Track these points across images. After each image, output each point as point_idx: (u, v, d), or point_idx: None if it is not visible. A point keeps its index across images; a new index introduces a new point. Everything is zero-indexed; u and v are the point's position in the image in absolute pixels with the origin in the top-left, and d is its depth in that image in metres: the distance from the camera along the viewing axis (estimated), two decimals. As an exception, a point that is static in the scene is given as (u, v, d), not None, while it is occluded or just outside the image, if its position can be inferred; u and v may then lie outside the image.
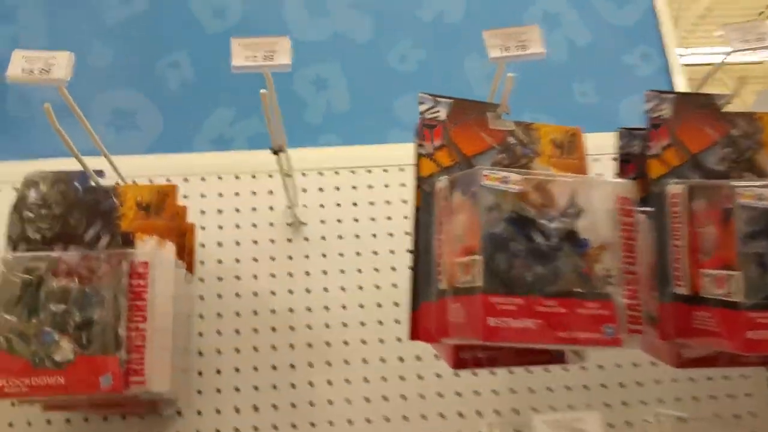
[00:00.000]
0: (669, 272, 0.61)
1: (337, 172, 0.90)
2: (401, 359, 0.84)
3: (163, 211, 0.70)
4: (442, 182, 0.60)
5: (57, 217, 0.67)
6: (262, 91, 0.64)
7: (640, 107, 0.68)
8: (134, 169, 0.85)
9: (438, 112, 0.63)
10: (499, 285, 0.52)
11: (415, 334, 0.66)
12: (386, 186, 0.90)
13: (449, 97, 0.63)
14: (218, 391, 0.81)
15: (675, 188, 0.63)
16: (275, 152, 0.68)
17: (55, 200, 0.68)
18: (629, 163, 0.73)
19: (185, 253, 0.77)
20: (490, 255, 0.53)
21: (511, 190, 0.54)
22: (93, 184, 0.71)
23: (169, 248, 0.70)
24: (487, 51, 0.57)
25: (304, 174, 0.90)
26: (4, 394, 0.58)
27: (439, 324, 0.57)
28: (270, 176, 0.90)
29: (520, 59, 0.56)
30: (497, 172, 0.54)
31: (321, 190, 0.90)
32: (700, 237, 0.60)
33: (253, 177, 0.90)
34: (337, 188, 0.90)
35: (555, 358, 0.63)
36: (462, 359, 0.62)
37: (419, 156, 0.63)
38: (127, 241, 0.68)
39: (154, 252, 0.66)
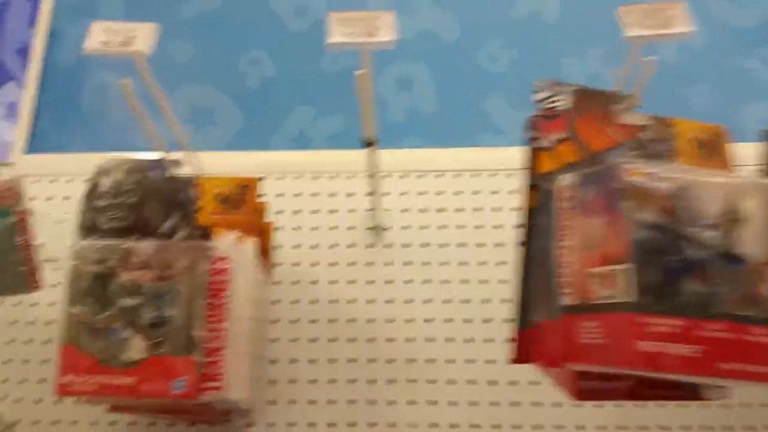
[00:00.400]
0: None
1: (421, 176, 0.84)
2: (493, 383, 0.76)
3: (243, 204, 0.65)
4: (566, 180, 0.52)
5: (131, 206, 0.63)
6: (358, 72, 0.58)
7: (763, 113, 0.60)
8: (211, 166, 0.80)
9: (558, 101, 0.56)
10: (651, 302, 0.43)
11: (523, 356, 0.59)
12: (475, 192, 0.83)
13: (571, 84, 0.56)
14: (292, 402, 0.75)
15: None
16: (367, 144, 0.62)
17: (130, 189, 0.64)
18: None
19: (262, 254, 0.72)
20: (640, 265, 0.43)
21: (658, 190, 0.46)
22: (170, 174, 0.67)
23: (250, 245, 0.64)
24: (622, 29, 0.51)
25: (385, 176, 0.84)
26: (71, 391, 0.53)
27: (565, 346, 0.49)
28: (351, 177, 0.84)
29: (662, 39, 0.49)
30: (643, 167, 0.47)
31: (404, 194, 0.83)
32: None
33: (333, 177, 0.85)
34: (422, 193, 0.84)
35: (690, 392, 0.53)
36: (584, 389, 0.53)
37: (535, 150, 0.56)
38: (205, 235, 0.63)
39: (235, 248, 0.61)
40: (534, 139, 0.56)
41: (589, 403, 0.73)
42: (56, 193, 0.85)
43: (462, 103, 0.92)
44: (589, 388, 0.53)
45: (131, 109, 0.59)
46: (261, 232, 0.70)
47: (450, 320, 0.78)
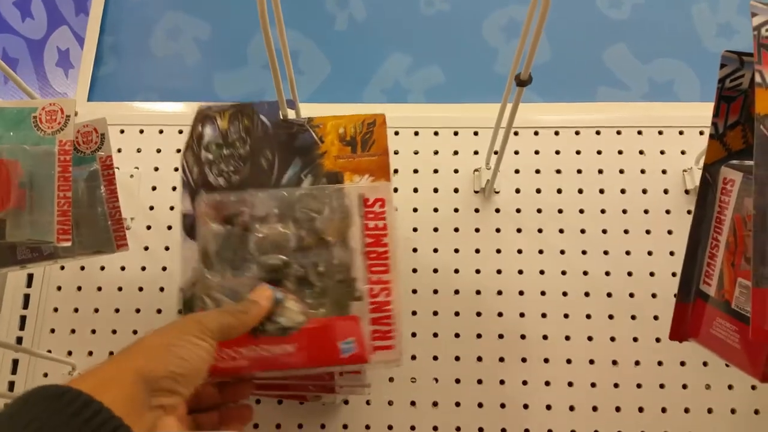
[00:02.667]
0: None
1: (536, 132, 0.75)
2: (615, 362, 0.68)
3: (372, 145, 0.57)
4: (730, 172, 0.44)
5: (243, 157, 0.55)
6: None
7: None
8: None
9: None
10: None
11: (683, 332, 0.53)
12: (599, 152, 0.74)
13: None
14: (390, 380, 0.70)
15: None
16: (521, 83, 0.53)
17: (239, 137, 0.56)
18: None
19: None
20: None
21: None
22: (283, 117, 0.59)
23: (388, 188, 0.55)
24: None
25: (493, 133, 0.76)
26: (218, 371, 0.47)
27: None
28: (455, 133, 0.76)
29: None
30: None
31: (516, 153, 0.75)
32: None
33: (436, 134, 0.77)
34: (537, 152, 0.75)
35: None
36: None
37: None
38: (335, 182, 0.55)
39: (388, 188, 0.53)
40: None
41: (716, 386, 0.66)
42: (126, 145, 0.79)
43: (578, 54, 0.81)
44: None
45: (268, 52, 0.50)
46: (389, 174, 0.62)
47: (566, 294, 0.70)
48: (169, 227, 0.76)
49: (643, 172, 0.73)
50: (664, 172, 0.73)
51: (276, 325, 0.47)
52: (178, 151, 0.78)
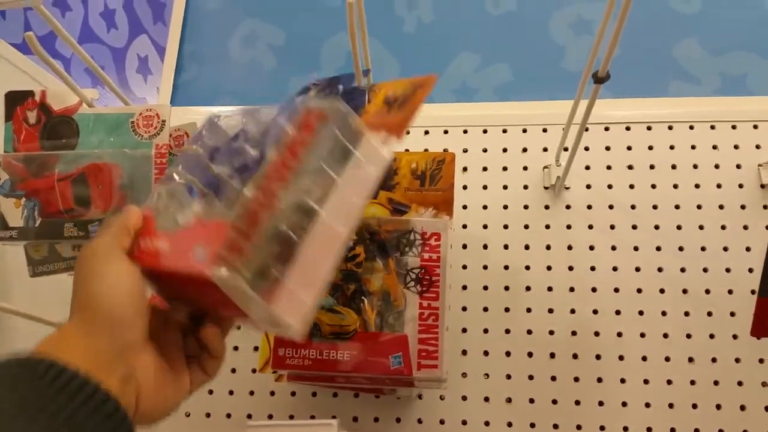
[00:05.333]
0: None
1: (607, 128, 0.75)
2: (691, 360, 0.68)
3: (439, 180, 0.60)
4: None
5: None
6: None
7: None
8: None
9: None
10: None
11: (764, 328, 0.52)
12: (671, 147, 0.74)
13: None
14: (463, 375, 0.71)
15: None
16: (599, 80, 0.53)
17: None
18: None
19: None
20: None
21: None
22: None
23: (447, 222, 0.59)
24: None
25: (563, 130, 0.76)
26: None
27: None
28: (524, 131, 0.77)
29: None
30: None
31: (587, 149, 0.75)
32: None
33: (504, 131, 0.77)
34: (608, 148, 0.75)
35: None
36: None
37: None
38: (402, 212, 0.58)
39: (446, 224, 0.56)
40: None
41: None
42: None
43: (649, 49, 0.81)
44: None
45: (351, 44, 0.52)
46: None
47: (640, 291, 0.70)
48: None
49: (717, 167, 0.72)
50: (738, 166, 0.72)
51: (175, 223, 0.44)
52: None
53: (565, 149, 0.74)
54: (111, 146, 0.57)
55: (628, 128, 0.75)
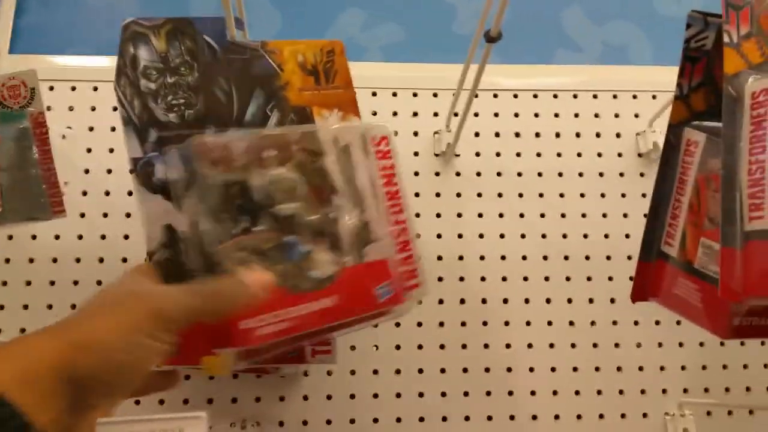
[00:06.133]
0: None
1: (495, 95, 0.74)
2: (572, 324, 0.70)
3: (335, 75, 0.53)
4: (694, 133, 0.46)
5: (193, 87, 0.48)
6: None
7: None
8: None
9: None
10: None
11: (644, 293, 0.55)
12: (556, 115, 0.74)
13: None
14: (352, 348, 0.68)
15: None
16: (491, 39, 0.51)
17: (183, 62, 0.48)
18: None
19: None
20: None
21: None
22: (232, 39, 0.50)
23: (384, 127, 0.52)
24: None
25: (453, 95, 0.74)
26: (260, 337, 0.40)
27: (751, 276, 0.42)
28: (414, 95, 0.74)
29: None
30: None
31: (476, 115, 0.74)
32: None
33: (394, 95, 0.74)
34: (496, 114, 0.74)
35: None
36: (742, 326, 0.47)
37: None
38: (304, 118, 0.50)
39: (385, 127, 0.51)
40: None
41: (668, 344, 0.69)
42: (56, 103, 0.71)
43: (537, 15, 0.81)
44: (748, 324, 0.48)
45: None
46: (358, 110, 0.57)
47: (525, 258, 0.71)
48: (107, 192, 0.70)
49: (598, 135, 0.74)
50: (618, 135, 0.74)
51: (311, 280, 0.43)
52: (115, 109, 0.71)
53: (455, 115, 0.72)
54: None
55: (515, 95, 0.74)
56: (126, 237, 0.69)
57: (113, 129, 0.70)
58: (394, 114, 0.73)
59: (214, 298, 0.37)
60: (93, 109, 0.71)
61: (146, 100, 0.48)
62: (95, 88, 0.72)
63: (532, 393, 0.68)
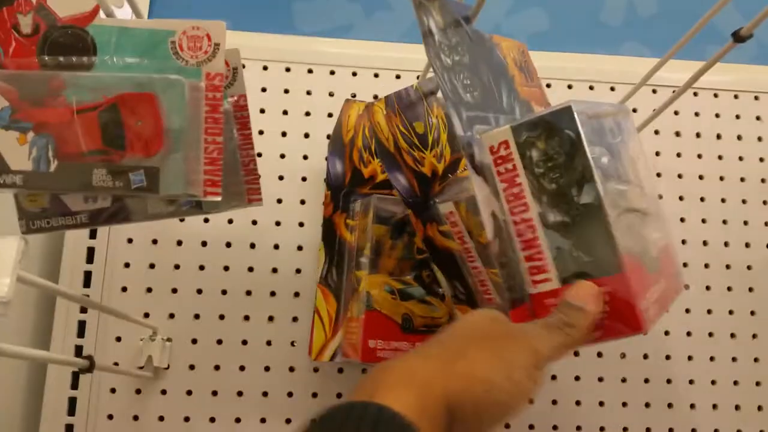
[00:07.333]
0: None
1: (655, 91, 0.71)
2: (733, 336, 0.67)
3: (534, 74, 0.54)
4: None
5: (469, 68, 0.44)
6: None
7: None
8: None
9: None
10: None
11: None
12: (717, 116, 0.71)
13: None
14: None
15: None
16: (740, 39, 0.48)
17: (459, 41, 0.45)
18: None
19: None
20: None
21: None
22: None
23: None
24: None
25: (613, 89, 0.71)
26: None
27: None
28: (569, 87, 0.71)
29: None
30: None
31: (635, 111, 0.71)
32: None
33: (569, 87, 0.71)
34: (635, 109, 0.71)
35: None
36: None
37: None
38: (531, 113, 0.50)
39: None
40: None
41: None
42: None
43: (687, 6, 0.77)
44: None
45: None
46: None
47: (686, 264, 0.68)
48: (281, 177, 0.67)
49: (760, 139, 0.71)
50: (779, 141, 0.72)
51: (652, 260, 0.41)
52: (309, 93, 0.69)
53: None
54: (143, 71, 0.44)
55: (655, 91, 0.71)
56: (277, 224, 0.66)
57: (307, 114, 0.68)
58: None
59: (566, 330, 0.36)
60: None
61: (450, 75, 0.43)
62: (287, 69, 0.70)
63: (692, 407, 0.66)
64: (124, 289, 0.65)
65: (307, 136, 0.69)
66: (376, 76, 0.70)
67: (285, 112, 0.69)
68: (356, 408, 0.28)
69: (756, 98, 0.72)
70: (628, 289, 0.36)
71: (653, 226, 0.44)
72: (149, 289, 0.65)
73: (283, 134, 0.68)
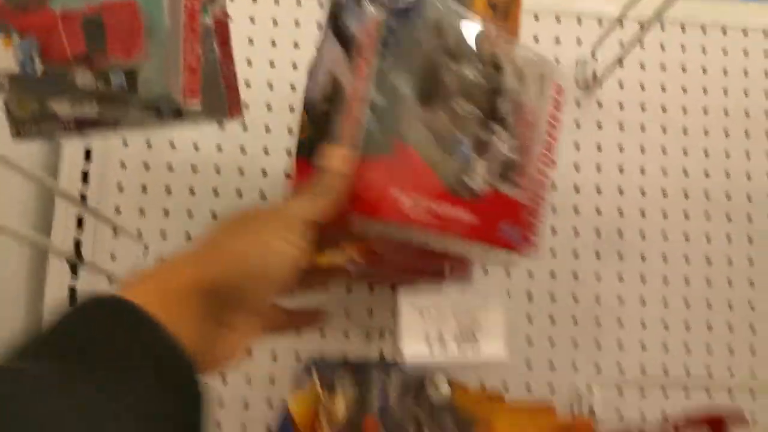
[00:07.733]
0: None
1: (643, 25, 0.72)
2: (708, 261, 0.69)
3: (509, 17, 0.53)
4: None
5: None
6: None
7: None
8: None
9: None
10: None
11: None
12: (702, 50, 0.72)
13: None
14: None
15: None
16: None
17: None
18: None
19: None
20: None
21: None
22: None
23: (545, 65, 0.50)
24: None
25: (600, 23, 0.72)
26: (404, 216, 0.38)
27: None
28: (556, 20, 0.72)
29: None
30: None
31: (621, 45, 0.71)
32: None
33: (536, 19, 0.72)
34: (643, 46, 0.72)
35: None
36: None
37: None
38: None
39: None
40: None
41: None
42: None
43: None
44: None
45: None
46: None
47: (665, 193, 0.70)
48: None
49: (749, 73, 0.72)
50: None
51: (466, 188, 0.41)
52: (297, 24, 0.70)
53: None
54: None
55: (665, 29, 0.72)
56: (266, 152, 0.68)
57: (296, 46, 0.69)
58: (535, 39, 0.71)
59: (319, 197, 0.37)
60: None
61: None
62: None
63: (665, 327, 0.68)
64: (118, 210, 0.67)
65: (295, 67, 0.70)
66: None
67: (273, 43, 0.70)
68: (88, 303, 0.29)
69: (745, 34, 0.73)
70: (390, 173, 0.38)
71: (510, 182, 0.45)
72: (141, 211, 0.67)
73: (272, 64, 0.70)
